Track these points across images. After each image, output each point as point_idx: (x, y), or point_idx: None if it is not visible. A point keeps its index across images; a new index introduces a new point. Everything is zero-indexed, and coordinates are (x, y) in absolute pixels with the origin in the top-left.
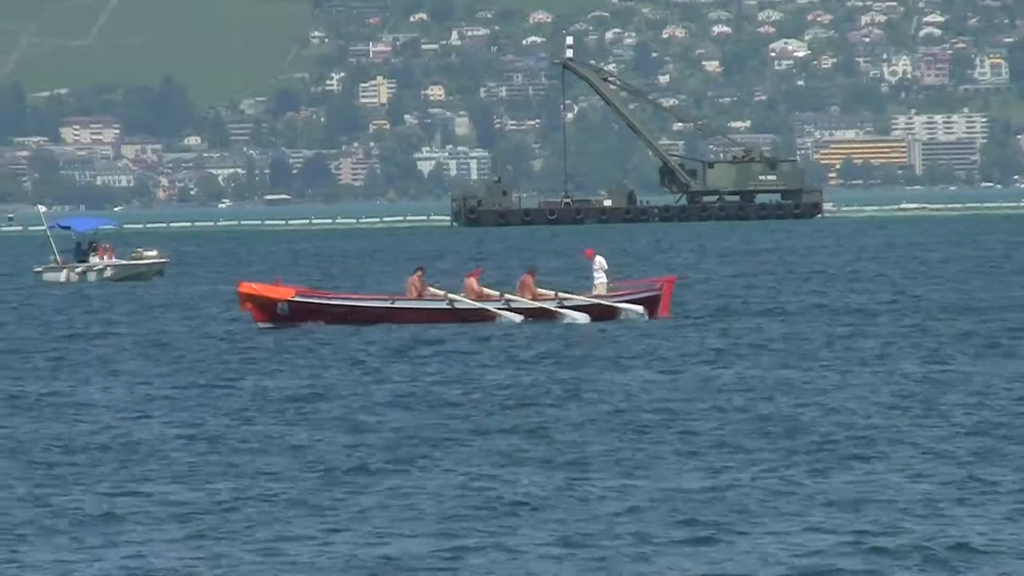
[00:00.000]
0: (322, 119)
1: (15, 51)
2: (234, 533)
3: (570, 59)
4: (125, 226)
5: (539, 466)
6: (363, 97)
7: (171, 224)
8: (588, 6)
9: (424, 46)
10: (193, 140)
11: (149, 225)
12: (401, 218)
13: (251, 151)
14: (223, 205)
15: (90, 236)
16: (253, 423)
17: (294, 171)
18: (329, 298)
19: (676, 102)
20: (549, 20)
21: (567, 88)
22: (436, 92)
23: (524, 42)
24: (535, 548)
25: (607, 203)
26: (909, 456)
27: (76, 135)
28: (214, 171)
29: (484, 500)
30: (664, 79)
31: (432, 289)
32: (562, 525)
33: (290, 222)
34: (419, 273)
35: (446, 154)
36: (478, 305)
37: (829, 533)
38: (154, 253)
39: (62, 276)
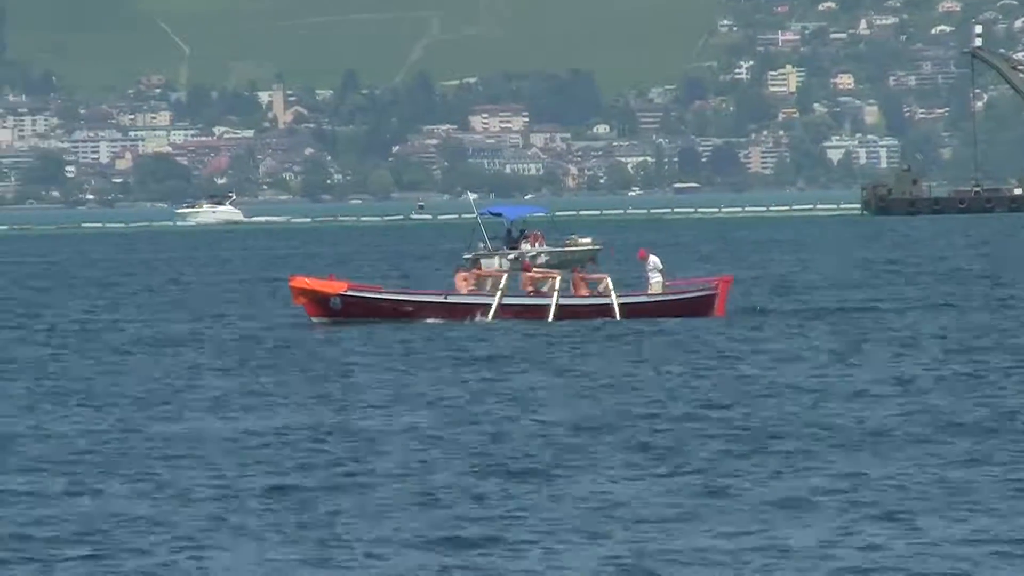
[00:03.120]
0: (731, 108)
1: (424, 39)
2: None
3: (979, 47)
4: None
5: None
6: (772, 85)
7: (580, 212)
8: None
9: (832, 35)
10: (602, 128)
11: (558, 213)
12: (811, 207)
13: (660, 139)
14: (633, 193)
15: (520, 223)
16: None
17: (703, 159)
18: (381, 293)
19: None
20: (958, 8)
21: (976, 76)
22: (845, 80)
23: (933, 31)
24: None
25: (1017, 191)
26: None
27: (485, 123)
28: (623, 159)
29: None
30: None
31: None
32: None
33: (699, 210)
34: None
35: (855, 143)
36: (531, 301)
37: None
38: (588, 240)
39: (494, 263)
